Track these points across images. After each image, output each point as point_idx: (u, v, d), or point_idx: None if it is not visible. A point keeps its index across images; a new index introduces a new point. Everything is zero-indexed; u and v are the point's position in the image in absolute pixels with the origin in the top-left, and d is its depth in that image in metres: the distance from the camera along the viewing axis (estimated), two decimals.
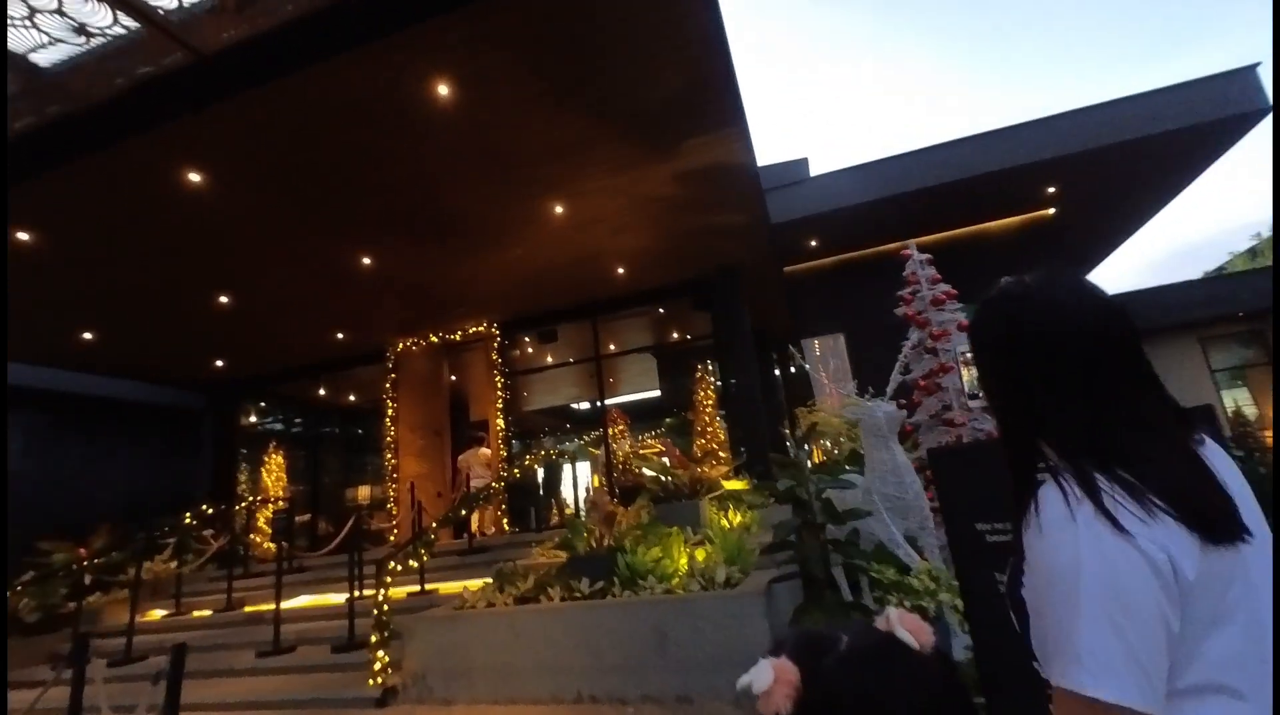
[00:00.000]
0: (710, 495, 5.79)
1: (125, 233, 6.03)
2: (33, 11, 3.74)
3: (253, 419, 11.98)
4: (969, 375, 5.81)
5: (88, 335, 8.46)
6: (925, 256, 6.50)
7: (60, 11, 3.76)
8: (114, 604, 7.58)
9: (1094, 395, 0.80)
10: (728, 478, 6.16)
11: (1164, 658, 0.70)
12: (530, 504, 9.93)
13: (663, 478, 6.12)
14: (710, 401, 9.35)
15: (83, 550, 7.79)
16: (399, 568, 4.47)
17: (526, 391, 14.14)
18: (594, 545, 4.60)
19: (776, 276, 9.52)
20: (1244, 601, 0.72)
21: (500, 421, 9.47)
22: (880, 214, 11.36)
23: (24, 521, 10.06)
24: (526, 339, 10.54)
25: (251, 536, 9.86)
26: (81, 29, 3.88)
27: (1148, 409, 0.81)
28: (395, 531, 9.40)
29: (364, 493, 12.16)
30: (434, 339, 10.01)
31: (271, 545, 9.73)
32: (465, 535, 7.52)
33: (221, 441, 11.13)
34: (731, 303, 8.35)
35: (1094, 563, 0.71)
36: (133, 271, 6.79)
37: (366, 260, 7.17)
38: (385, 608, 4.31)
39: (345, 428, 13.03)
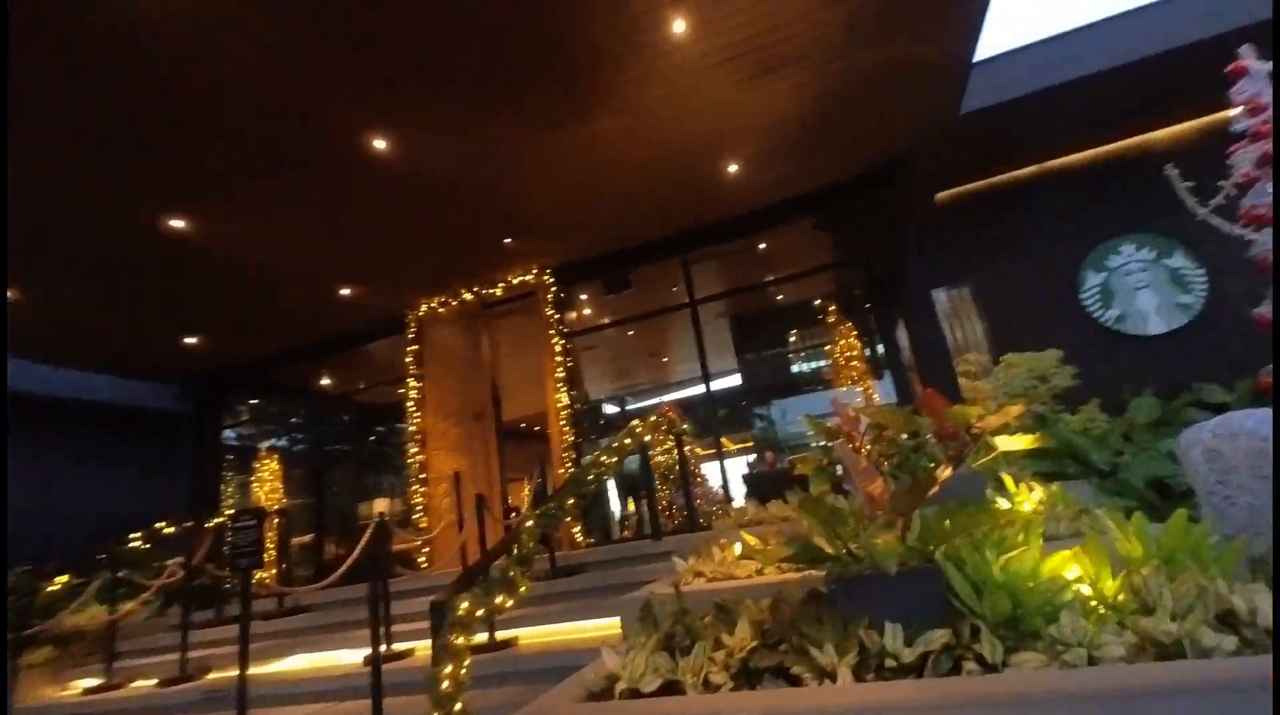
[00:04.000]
0: (983, 461, 3.33)
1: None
2: None
3: (242, 417, 9.66)
4: None
5: (11, 293, 6.17)
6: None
7: None
8: (39, 668, 5.21)
9: None
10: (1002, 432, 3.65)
11: None
12: (603, 510, 7.49)
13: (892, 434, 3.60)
14: (856, 357, 6.88)
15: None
16: (478, 612, 2.05)
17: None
18: (897, 550, 2.15)
19: (926, 194, 7.09)
20: None
21: (562, 397, 7.06)
22: (1028, 121, 8.79)
23: None
24: (584, 297, 8.17)
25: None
26: None
27: None
28: (427, 551, 6.97)
29: (381, 506, 9.76)
30: (467, 297, 7.65)
31: (266, 576, 7.27)
32: (547, 552, 5.02)
33: (203, 446, 8.79)
34: (898, 213, 5.92)
35: None
36: (40, 164, 4.50)
37: (380, 144, 4.83)
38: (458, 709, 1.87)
39: (359, 424, 10.68)
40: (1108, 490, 4.30)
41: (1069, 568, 2.35)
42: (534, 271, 7.37)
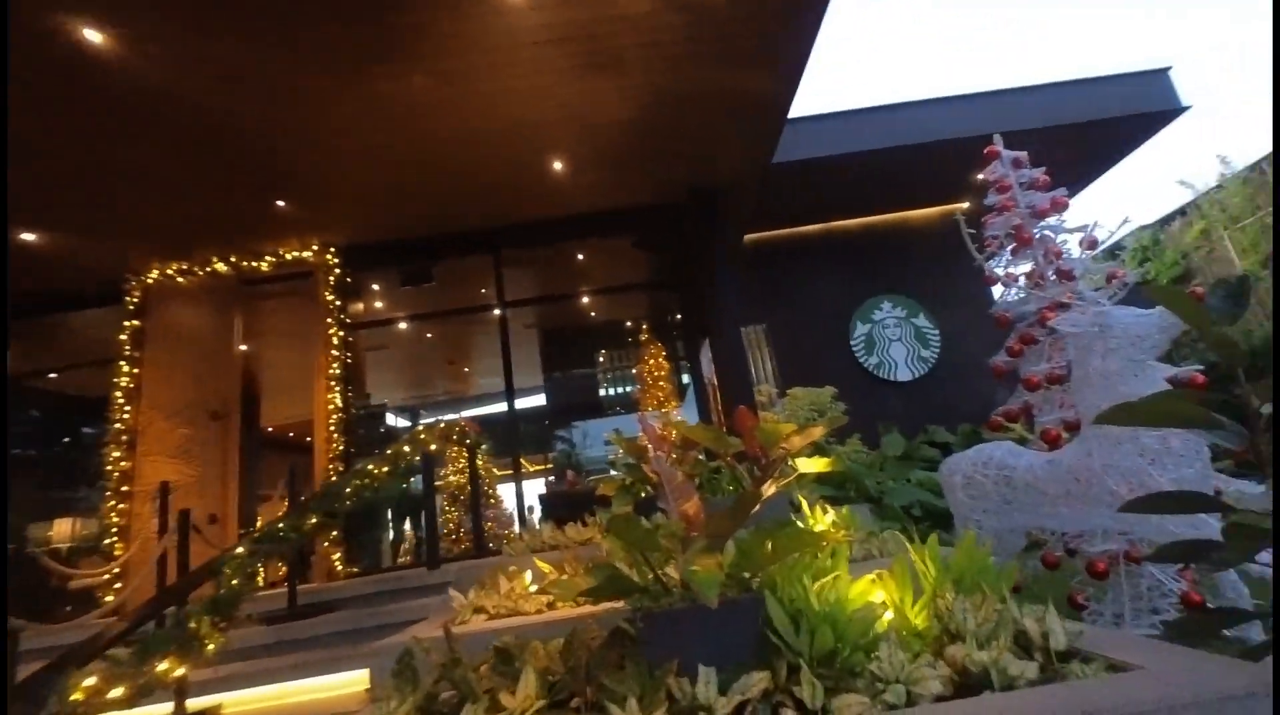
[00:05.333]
0: (782, 483, 3.29)
1: None
2: None
3: None
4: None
5: None
6: (1018, 153, 4.80)
7: None
8: None
9: None
10: (804, 454, 3.67)
11: None
12: (377, 534, 6.44)
13: (693, 455, 3.43)
14: (664, 379, 6.83)
15: None
16: (114, 691, 1.30)
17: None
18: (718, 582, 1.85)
19: (737, 233, 7.44)
20: None
21: (335, 398, 5.96)
22: (818, 183, 9.90)
23: None
24: (376, 287, 7.16)
25: None
26: None
27: None
28: (117, 587, 5.32)
29: (62, 530, 7.43)
30: (221, 268, 6.19)
31: None
32: (287, 585, 3.90)
33: None
34: (709, 237, 6.03)
35: None
36: None
37: (93, 36, 3.58)
38: None
39: (53, 421, 8.15)
40: (876, 514, 4.71)
41: (874, 592, 2.24)
42: (315, 248, 6.22)
